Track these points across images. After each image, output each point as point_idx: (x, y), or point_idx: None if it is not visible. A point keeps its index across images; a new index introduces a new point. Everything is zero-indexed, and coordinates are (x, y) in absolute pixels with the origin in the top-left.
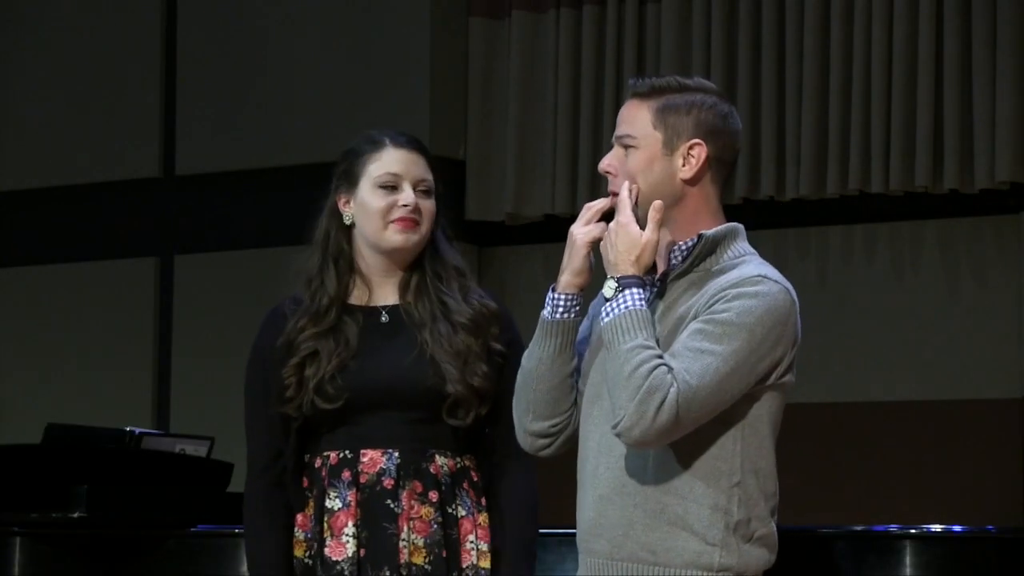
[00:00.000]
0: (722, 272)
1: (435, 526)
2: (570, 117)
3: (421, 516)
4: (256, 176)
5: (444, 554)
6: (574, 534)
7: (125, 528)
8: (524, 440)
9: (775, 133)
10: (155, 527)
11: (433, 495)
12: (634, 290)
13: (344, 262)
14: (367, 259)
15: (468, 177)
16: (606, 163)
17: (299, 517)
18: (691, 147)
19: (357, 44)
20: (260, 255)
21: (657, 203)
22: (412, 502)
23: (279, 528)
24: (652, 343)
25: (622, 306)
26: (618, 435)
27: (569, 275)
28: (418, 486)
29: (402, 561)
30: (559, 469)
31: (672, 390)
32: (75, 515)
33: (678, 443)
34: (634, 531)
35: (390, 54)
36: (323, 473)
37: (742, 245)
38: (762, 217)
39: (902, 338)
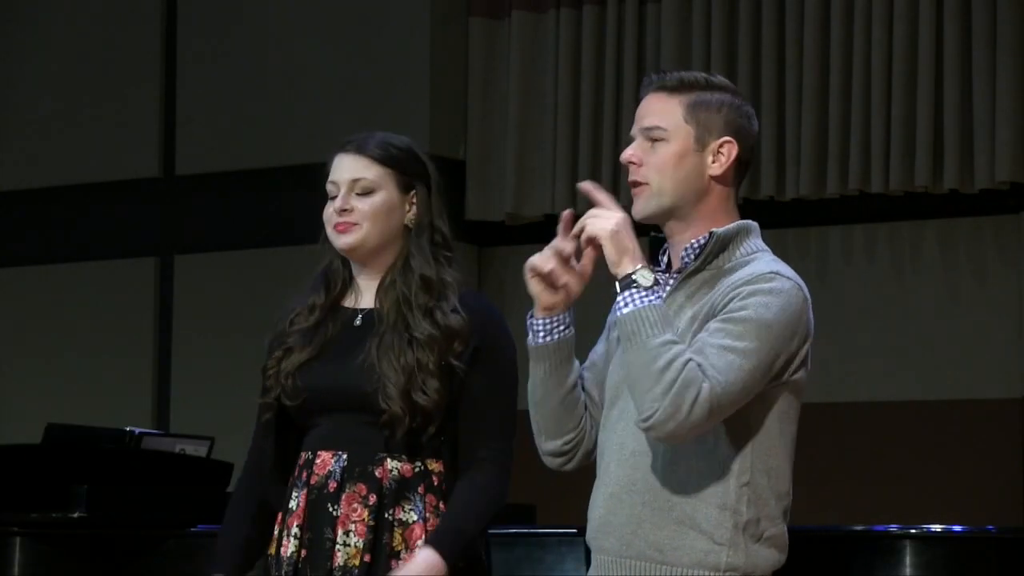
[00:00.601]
0: (734, 270)
1: (367, 529)
2: (570, 117)
3: (363, 519)
4: (256, 176)
5: (367, 559)
6: (574, 534)
7: (125, 528)
8: (545, 460)
9: (775, 133)
10: (155, 527)
11: (372, 499)
12: (649, 274)
13: (337, 273)
14: (350, 264)
15: (468, 177)
16: (630, 153)
17: (279, 515)
18: (722, 144)
19: (357, 44)
20: (260, 255)
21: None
22: (355, 505)
23: (243, 521)
24: (678, 339)
25: (644, 299)
26: (649, 429)
27: (536, 303)
28: (362, 489)
29: (336, 564)
30: (560, 471)
31: (705, 386)
32: (75, 515)
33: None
34: (642, 529)
35: (390, 54)
36: (295, 473)
37: (754, 242)
38: (762, 217)
39: (902, 338)
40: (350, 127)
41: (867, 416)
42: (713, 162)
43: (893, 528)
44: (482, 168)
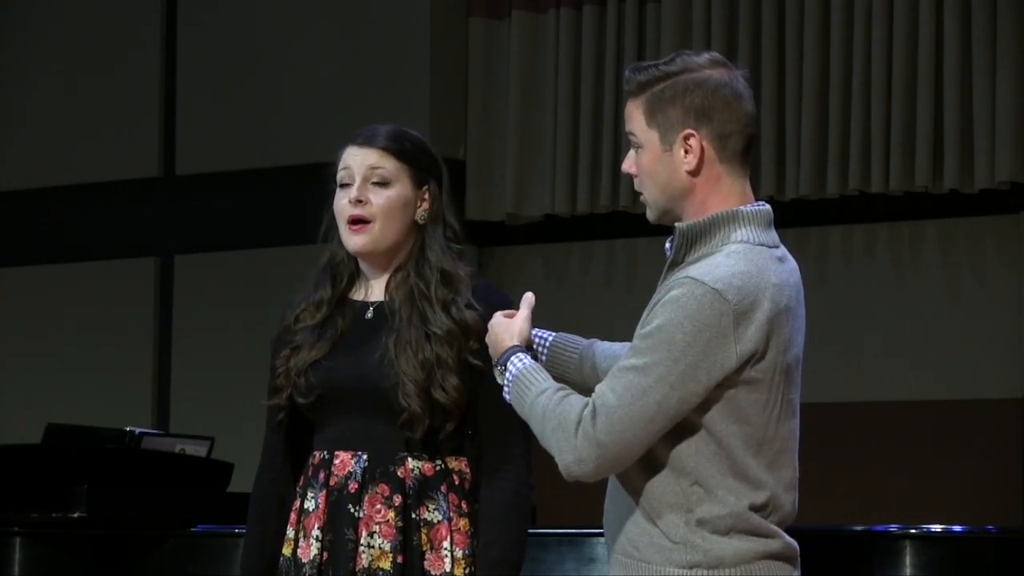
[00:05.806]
0: (690, 264)
1: (396, 530)
2: (570, 117)
3: (388, 520)
4: (256, 176)
5: (400, 560)
6: (574, 534)
7: (125, 528)
8: None
9: (775, 133)
10: (155, 527)
11: (397, 499)
12: (512, 358)
13: (343, 266)
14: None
15: (468, 177)
16: (627, 165)
17: (292, 515)
18: (686, 138)
19: (357, 44)
20: (260, 255)
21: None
22: (378, 506)
23: (267, 530)
24: (547, 383)
25: (509, 378)
26: (576, 479)
27: None
28: (384, 489)
29: (360, 567)
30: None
31: (586, 412)
32: (75, 515)
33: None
34: (624, 527)
35: (390, 54)
36: (309, 473)
37: (734, 233)
38: None
39: (902, 338)
40: (350, 127)
41: (867, 416)
42: (685, 157)
43: (893, 528)
44: (482, 168)
